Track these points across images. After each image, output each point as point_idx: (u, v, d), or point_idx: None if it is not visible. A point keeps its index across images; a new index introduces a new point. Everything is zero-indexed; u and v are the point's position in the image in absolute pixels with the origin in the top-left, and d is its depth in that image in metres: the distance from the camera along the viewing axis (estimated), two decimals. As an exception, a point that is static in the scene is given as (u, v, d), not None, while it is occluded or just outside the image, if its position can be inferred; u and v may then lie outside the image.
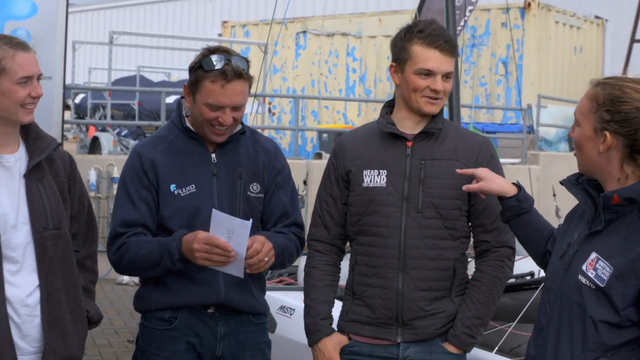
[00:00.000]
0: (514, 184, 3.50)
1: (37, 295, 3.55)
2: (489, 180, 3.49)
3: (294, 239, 4.03)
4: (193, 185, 3.88)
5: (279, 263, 3.93)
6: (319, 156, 14.98)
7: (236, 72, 3.76)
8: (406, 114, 3.81)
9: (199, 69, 3.80)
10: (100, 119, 20.60)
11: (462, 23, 13.72)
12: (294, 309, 5.46)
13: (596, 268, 3.00)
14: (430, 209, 3.73)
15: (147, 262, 3.82)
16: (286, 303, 5.63)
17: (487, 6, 17.99)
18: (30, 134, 3.63)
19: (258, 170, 3.99)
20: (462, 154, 3.78)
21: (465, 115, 17.82)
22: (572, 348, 3.06)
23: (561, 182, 3.30)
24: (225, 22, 23.66)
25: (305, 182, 6.49)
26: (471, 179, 3.57)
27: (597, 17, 21.29)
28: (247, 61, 3.85)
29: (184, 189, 3.88)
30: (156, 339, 3.92)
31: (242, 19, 27.40)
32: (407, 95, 3.77)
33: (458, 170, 3.63)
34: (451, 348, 3.76)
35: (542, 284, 3.39)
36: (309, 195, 12.00)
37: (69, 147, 19.98)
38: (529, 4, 17.88)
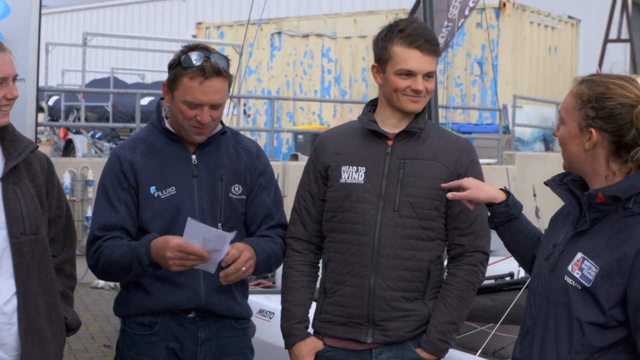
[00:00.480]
0: (502, 189, 3.46)
1: (14, 302, 3.47)
2: (475, 189, 3.43)
3: (280, 241, 3.97)
4: (173, 187, 3.82)
5: (266, 269, 3.90)
6: (294, 157, 14.94)
7: (215, 69, 3.70)
8: (389, 112, 3.77)
9: (178, 66, 3.74)
10: (74, 121, 20.46)
11: (459, 24, 13.63)
12: (273, 313, 5.42)
13: (582, 268, 2.98)
14: (407, 208, 3.68)
15: (119, 268, 3.74)
16: (265, 307, 5.59)
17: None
18: (6, 136, 3.55)
19: (240, 171, 3.93)
20: (442, 156, 3.74)
21: (441, 116, 17.84)
22: (559, 350, 3.04)
23: (545, 183, 3.28)
24: (199, 23, 23.60)
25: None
26: (447, 190, 3.52)
27: (570, 17, 21.38)
28: (227, 59, 3.80)
29: (164, 191, 3.82)
30: (136, 344, 3.86)
31: (216, 20, 27.32)
32: (389, 95, 3.74)
33: (443, 185, 3.58)
34: (425, 354, 3.71)
35: (526, 286, 3.37)
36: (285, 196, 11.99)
37: (43, 149, 19.76)
38: (504, 4, 17.93)
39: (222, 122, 3.95)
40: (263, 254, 3.79)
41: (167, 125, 3.89)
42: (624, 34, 24.38)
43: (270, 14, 24.13)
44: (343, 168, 3.76)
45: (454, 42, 18.54)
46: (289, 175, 12.42)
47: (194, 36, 23.84)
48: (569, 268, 3.02)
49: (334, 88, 20.52)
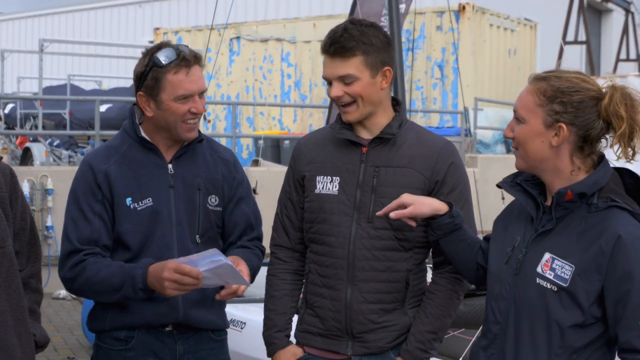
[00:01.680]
0: (443, 200, 3.40)
1: None
2: (418, 204, 3.34)
3: (259, 253, 3.94)
4: (150, 199, 3.72)
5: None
6: (255, 163, 14.83)
7: (193, 55, 3.67)
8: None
9: (153, 69, 3.65)
10: (31, 129, 20.21)
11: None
12: (245, 323, 5.33)
13: (553, 268, 2.97)
14: (381, 219, 3.53)
15: (106, 287, 3.63)
16: (236, 317, 5.50)
17: (422, 9, 17.98)
18: None
19: (217, 182, 3.85)
20: (418, 162, 3.58)
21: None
22: (536, 354, 3.01)
23: (498, 185, 3.26)
24: (157, 28, 23.44)
25: (254, 191, 6.34)
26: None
27: (527, 19, 21.48)
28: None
29: (140, 203, 3.71)
30: (111, 359, 3.76)
31: (173, 25, 27.16)
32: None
33: (378, 213, 3.46)
34: None
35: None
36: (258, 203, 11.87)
37: (0, 158, 19.55)
38: (464, 7, 17.96)
39: (198, 130, 3.84)
40: (251, 270, 3.73)
41: (143, 133, 3.78)
42: (581, 36, 24.57)
43: (230, 18, 24.05)
44: (318, 178, 3.65)
45: (413, 45, 18.58)
46: (251, 181, 12.28)
47: (151, 42, 23.68)
48: (539, 270, 3.00)
49: (294, 92, 20.45)
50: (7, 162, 19.10)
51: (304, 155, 3.73)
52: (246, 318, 5.35)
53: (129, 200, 3.70)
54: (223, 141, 19.25)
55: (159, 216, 3.71)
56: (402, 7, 11.64)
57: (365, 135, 3.64)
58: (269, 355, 3.81)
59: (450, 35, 17.44)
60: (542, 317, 2.98)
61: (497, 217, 3.34)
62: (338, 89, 3.52)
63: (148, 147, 3.78)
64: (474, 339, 3.41)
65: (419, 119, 18.50)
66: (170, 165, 3.78)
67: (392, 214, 3.35)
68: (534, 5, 24.44)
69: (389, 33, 6.75)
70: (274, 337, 3.77)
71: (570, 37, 24.44)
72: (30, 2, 39.77)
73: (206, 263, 3.43)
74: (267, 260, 3.92)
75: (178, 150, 3.81)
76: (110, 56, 25.34)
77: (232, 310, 5.61)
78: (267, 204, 5.62)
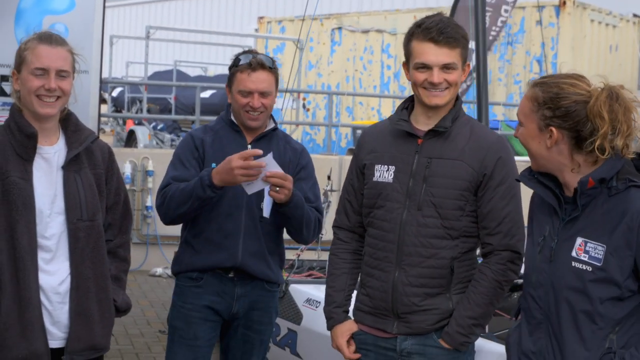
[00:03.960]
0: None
1: (67, 283, 3.69)
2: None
3: (315, 212, 4.64)
4: None
5: (299, 215, 4.51)
6: (351, 152, 15.01)
7: (259, 62, 4.52)
8: (420, 109, 3.88)
9: (232, 67, 4.58)
10: (136, 112, 20.76)
11: (499, 23, 13.71)
12: (319, 302, 5.55)
13: (587, 251, 3.18)
14: (429, 208, 3.78)
15: (182, 195, 4.41)
16: (312, 296, 5.73)
17: (522, 4, 17.92)
18: (69, 127, 3.78)
19: (284, 163, 4.57)
20: (468, 155, 3.80)
21: (499, 113, 17.84)
22: (581, 333, 3.21)
23: (517, 179, 3.51)
24: (261, 17, 23.78)
25: (329, 177, 6.61)
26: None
27: (635, 15, 21.12)
28: (272, 60, 4.62)
29: None
30: (183, 293, 4.64)
31: (278, 14, 27.48)
32: (414, 91, 3.86)
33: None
34: (445, 345, 3.82)
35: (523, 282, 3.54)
36: (342, 190, 12.09)
37: (106, 140, 20.08)
38: (564, 2, 17.81)
39: (274, 121, 4.72)
40: (298, 197, 4.46)
41: (232, 117, 4.66)
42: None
43: (332, 9, 24.28)
44: (376, 167, 3.91)
45: (512, 39, 18.56)
46: (346, 169, 12.49)
47: (256, 30, 24.03)
48: (573, 254, 3.21)
49: (393, 84, 20.57)
50: (112, 143, 19.73)
51: (366, 145, 4.00)
52: (321, 298, 5.53)
53: (213, 165, 4.49)
54: (322, 130, 19.51)
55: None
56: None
57: (422, 127, 3.87)
58: (328, 328, 4.09)
59: (550, 30, 17.36)
60: (582, 297, 3.18)
61: (528, 212, 3.56)
62: (440, 75, 3.76)
63: (235, 129, 4.65)
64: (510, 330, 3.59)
65: (515, 114, 18.45)
66: (249, 146, 4.60)
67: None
68: (637, 1, 24.02)
69: (475, 28, 6.94)
70: (332, 312, 4.06)
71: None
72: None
73: (267, 158, 4.28)
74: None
75: (258, 135, 4.64)
76: (216, 44, 25.76)
77: (310, 290, 5.87)
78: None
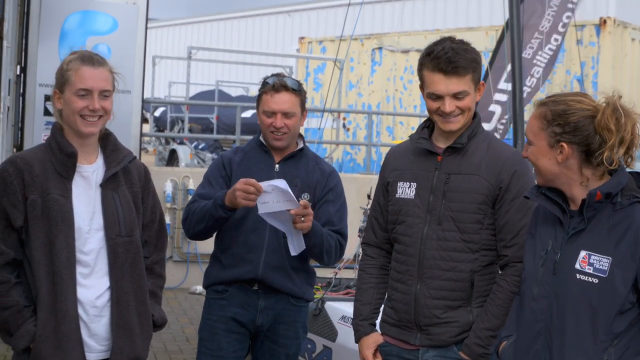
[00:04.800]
0: None
1: (106, 297, 3.79)
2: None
3: (335, 238, 4.78)
4: None
5: (319, 243, 4.66)
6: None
7: (282, 84, 4.76)
8: (438, 129, 3.99)
9: (260, 89, 4.84)
10: (178, 132, 20.95)
11: (546, 50, 13.56)
12: (354, 319, 5.61)
13: (591, 263, 3.29)
14: (448, 222, 3.88)
15: (201, 212, 4.69)
16: (348, 313, 5.79)
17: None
18: (108, 146, 3.89)
19: (312, 183, 4.81)
20: (484, 169, 3.89)
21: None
22: (583, 344, 3.29)
23: (525, 196, 3.60)
24: (302, 38, 23.90)
25: (369, 196, 6.66)
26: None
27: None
28: (298, 82, 4.86)
29: None
30: (210, 306, 4.86)
31: (319, 35, 27.61)
32: (430, 115, 3.97)
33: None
34: (464, 356, 3.88)
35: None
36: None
37: (148, 159, 20.37)
38: (605, 21, 17.75)
39: (304, 141, 4.92)
40: (317, 227, 4.63)
41: (262, 138, 4.88)
42: None
43: (373, 29, 24.36)
44: (399, 184, 4.03)
45: (554, 59, 18.48)
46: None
47: (297, 50, 24.17)
48: (577, 266, 3.32)
49: (434, 103, 20.51)
50: (154, 162, 19.92)
51: (389, 163, 4.14)
52: (356, 315, 5.63)
53: None
54: (362, 149, 19.57)
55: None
56: (566, 19, 11.65)
57: (442, 144, 3.97)
58: (355, 341, 4.21)
59: (590, 49, 17.33)
60: (585, 309, 3.28)
61: (529, 227, 3.67)
62: (451, 104, 3.84)
63: (264, 149, 4.86)
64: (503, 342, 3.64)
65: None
66: (277, 165, 4.82)
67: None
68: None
69: (511, 46, 6.98)
70: (359, 324, 4.18)
71: None
72: (180, 10, 41.01)
73: (270, 183, 4.45)
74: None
75: (286, 156, 4.85)
76: (257, 64, 25.93)
77: (344, 307, 5.94)
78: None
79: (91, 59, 3.81)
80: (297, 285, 4.80)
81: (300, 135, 4.92)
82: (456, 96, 3.84)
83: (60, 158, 3.76)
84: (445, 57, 3.80)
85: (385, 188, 4.12)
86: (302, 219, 4.49)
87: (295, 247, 4.59)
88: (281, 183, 4.44)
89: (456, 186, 3.89)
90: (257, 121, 4.88)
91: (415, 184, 3.98)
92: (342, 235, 4.84)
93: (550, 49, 12.05)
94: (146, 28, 10.89)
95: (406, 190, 4.00)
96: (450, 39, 3.92)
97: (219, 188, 4.75)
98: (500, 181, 3.86)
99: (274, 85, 4.76)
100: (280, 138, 4.78)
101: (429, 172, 3.96)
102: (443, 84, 3.83)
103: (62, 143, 3.77)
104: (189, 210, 4.79)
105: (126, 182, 3.91)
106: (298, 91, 4.80)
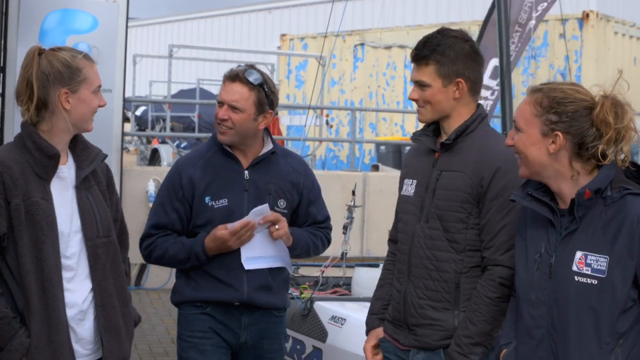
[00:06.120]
0: None
1: (89, 299, 3.69)
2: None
3: (320, 235, 4.61)
4: (225, 200, 4.37)
5: (304, 251, 4.54)
6: (375, 168, 15.02)
7: (236, 73, 4.35)
8: (440, 126, 3.92)
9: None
10: (160, 131, 20.84)
11: (530, 29, 13.50)
12: (344, 319, 5.52)
13: (589, 264, 3.16)
14: (434, 220, 3.80)
15: (175, 262, 4.44)
16: (337, 313, 5.69)
17: (545, 17, 17.89)
18: (78, 145, 3.76)
19: (287, 187, 4.48)
20: (470, 167, 3.76)
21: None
22: (587, 348, 3.17)
23: (511, 199, 3.46)
24: (283, 35, 23.84)
25: (353, 193, 6.59)
26: None
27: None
28: (261, 73, 4.39)
29: (217, 202, 4.37)
30: (190, 322, 4.46)
31: (300, 32, 27.55)
32: None
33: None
34: None
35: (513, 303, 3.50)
36: (366, 206, 12.10)
37: (130, 158, 20.25)
38: (587, 15, 17.75)
39: (273, 142, 4.46)
40: (299, 235, 4.46)
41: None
42: None
43: (354, 25, 24.29)
44: (405, 181, 3.99)
45: (536, 52, 18.48)
46: (370, 185, 12.52)
47: (278, 48, 24.08)
48: (574, 268, 3.18)
49: (417, 99, 20.47)
50: (136, 162, 19.80)
51: (404, 161, 4.13)
52: (346, 315, 5.53)
53: (207, 199, 4.37)
54: (345, 146, 19.51)
55: (232, 215, 4.34)
56: (537, 12, 11.60)
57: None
58: (366, 334, 4.14)
59: (573, 43, 17.30)
60: (587, 312, 3.15)
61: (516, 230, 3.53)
62: (415, 93, 3.84)
63: (228, 155, 4.43)
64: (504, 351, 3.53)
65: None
66: (246, 172, 4.42)
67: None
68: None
69: (498, 44, 6.89)
70: (369, 318, 4.15)
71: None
72: (160, 9, 40.87)
73: (254, 212, 4.25)
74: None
75: (254, 159, 4.44)
76: (239, 62, 25.75)
77: (335, 307, 5.84)
78: (387, 207, 5.84)
79: (89, 56, 3.72)
80: (279, 297, 4.54)
81: (268, 132, 4.54)
82: (420, 85, 3.80)
83: (41, 159, 3.61)
84: (417, 45, 3.81)
85: (400, 185, 4.08)
86: (276, 226, 4.32)
87: (288, 262, 4.48)
88: (264, 209, 4.27)
89: (444, 183, 3.79)
90: None
91: (415, 181, 3.92)
92: (327, 227, 4.68)
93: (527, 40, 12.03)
94: (127, 26, 10.76)
95: (409, 187, 3.94)
96: (440, 30, 3.86)
97: (175, 215, 4.40)
98: (482, 179, 3.71)
99: (230, 75, 4.38)
100: (224, 132, 4.36)
101: (427, 170, 3.89)
102: (413, 71, 3.85)
103: (41, 144, 3.61)
104: (150, 250, 4.46)
105: (95, 182, 3.79)
106: (256, 87, 4.34)
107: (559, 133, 3.21)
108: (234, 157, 4.42)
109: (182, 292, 4.48)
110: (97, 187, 3.78)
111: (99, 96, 3.70)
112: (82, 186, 3.71)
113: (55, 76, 3.60)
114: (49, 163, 3.62)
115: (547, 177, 3.29)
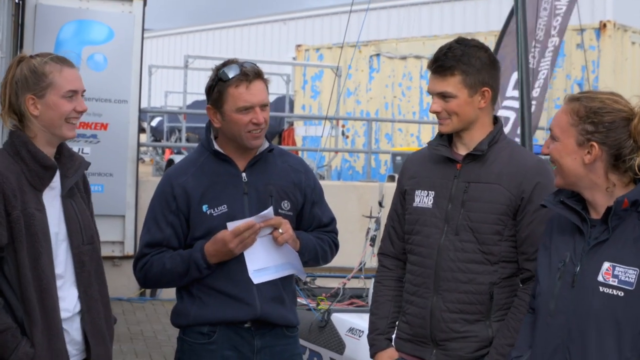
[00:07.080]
0: None
1: (77, 305, 3.69)
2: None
3: (327, 239, 4.25)
4: (225, 206, 4.03)
5: (312, 256, 4.16)
6: (392, 179, 14.99)
7: (255, 71, 3.97)
8: (457, 136, 3.85)
9: (219, 82, 3.99)
10: (175, 141, 20.85)
11: (551, 47, 13.50)
12: (362, 331, 5.47)
13: (616, 275, 3.07)
14: (467, 232, 3.73)
15: (173, 275, 4.02)
16: (355, 325, 5.65)
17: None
18: (63, 152, 3.74)
19: (288, 188, 4.14)
20: (505, 179, 3.72)
21: (540, 137, 17.70)
22: None
23: (542, 205, 3.38)
24: (299, 45, 23.82)
25: (380, 204, 6.56)
26: None
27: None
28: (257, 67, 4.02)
29: (216, 209, 4.03)
30: (195, 352, 4.04)
31: (316, 42, 27.55)
32: None
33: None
34: None
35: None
36: (382, 217, 12.02)
37: (145, 169, 20.25)
38: (605, 25, 17.67)
39: (268, 140, 4.12)
40: (307, 240, 4.12)
41: (217, 147, 4.09)
42: None
43: (370, 36, 24.26)
44: (416, 192, 3.88)
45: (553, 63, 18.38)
46: (386, 196, 12.44)
47: (294, 58, 24.08)
48: (600, 279, 3.10)
49: (432, 109, 20.41)
50: (152, 172, 19.79)
51: (407, 171, 3.98)
52: (364, 327, 5.47)
53: (205, 207, 4.01)
54: (361, 157, 19.47)
55: (233, 221, 3.97)
56: (556, 29, 11.60)
57: (462, 151, 3.82)
58: (370, 356, 4.03)
59: (590, 53, 17.21)
60: (610, 324, 3.07)
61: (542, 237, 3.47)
62: (437, 105, 3.75)
63: (222, 158, 4.08)
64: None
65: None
66: (244, 174, 4.07)
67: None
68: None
69: (517, 54, 6.85)
70: (375, 339, 4.00)
71: None
72: (176, 20, 40.99)
73: (258, 215, 3.91)
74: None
75: (250, 160, 4.08)
76: (254, 72, 25.79)
77: (352, 319, 5.80)
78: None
79: (65, 60, 3.67)
80: (291, 312, 4.15)
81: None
82: (442, 96, 3.73)
83: (36, 170, 3.58)
84: (436, 56, 3.74)
85: (402, 196, 3.97)
86: (280, 230, 3.97)
87: (299, 268, 4.14)
88: (268, 214, 3.95)
89: (476, 195, 3.73)
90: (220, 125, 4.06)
91: (433, 192, 3.83)
92: (333, 230, 4.30)
93: (549, 55, 12.00)
94: (142, 37, 10.76)
95: (424, 199, 3.85)
96: (459, 40, 3.81)
97: (169, 230, 4.02)
98: (522, 192, 3.69)
99: (247, 73, 3.92)
100: (259, 135, 4.00)
101: (447, 181, 3.81)
102: (432, 83, 3.78)
103: (37, 154, 3.59)
104: (145, 271, 4.05)
105: (77, 189, 3.79)
106: (264, 77, 4.04)
107: (595, 144, 3.14)
108: (229, 160, 4.06)
109: (186, 313, 4.05)
110: (78, 194, 3.77)
111: (75, 101, 3.62)
112: (67, 194, 3.70)
113: (22, 82, 3.59)
114: (45, 174, 3.60)
115: (582, 188, 3.23)
